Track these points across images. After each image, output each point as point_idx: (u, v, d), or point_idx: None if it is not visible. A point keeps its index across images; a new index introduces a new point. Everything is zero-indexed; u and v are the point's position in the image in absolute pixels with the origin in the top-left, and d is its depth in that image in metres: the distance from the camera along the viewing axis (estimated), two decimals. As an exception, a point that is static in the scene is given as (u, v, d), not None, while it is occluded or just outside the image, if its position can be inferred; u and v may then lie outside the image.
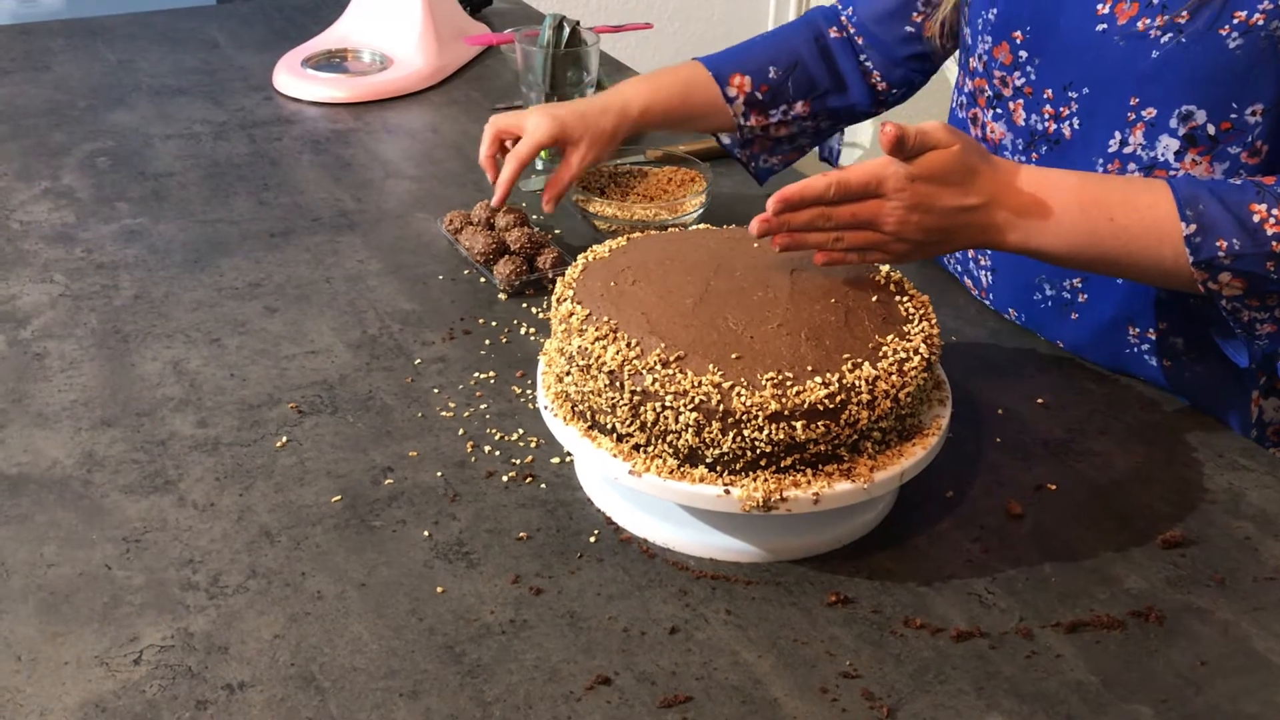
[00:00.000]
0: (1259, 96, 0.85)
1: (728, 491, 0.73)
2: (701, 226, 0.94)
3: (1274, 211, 0.81)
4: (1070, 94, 0.92)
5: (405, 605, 0.74)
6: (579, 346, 0.77)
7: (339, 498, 0.83)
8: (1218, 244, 0.82)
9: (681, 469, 0.75)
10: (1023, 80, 0.95)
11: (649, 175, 1.21)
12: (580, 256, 0.86)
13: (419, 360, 0.98)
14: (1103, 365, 0.99)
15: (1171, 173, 0.89)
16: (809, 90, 1.15)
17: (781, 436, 0.72)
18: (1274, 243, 0.81)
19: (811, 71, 1.14)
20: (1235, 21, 0.83)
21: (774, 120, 1.15)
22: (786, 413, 0.72)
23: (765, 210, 0.79)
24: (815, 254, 0.82)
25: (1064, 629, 0.73)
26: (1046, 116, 0.94)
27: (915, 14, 1.11)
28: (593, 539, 0.80)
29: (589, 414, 0.78)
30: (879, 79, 1.14)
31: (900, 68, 1.14)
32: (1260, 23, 0.83)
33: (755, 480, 0.73)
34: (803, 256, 0.83)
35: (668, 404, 0.73)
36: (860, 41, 1.14)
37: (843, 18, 1.16)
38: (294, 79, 1.53)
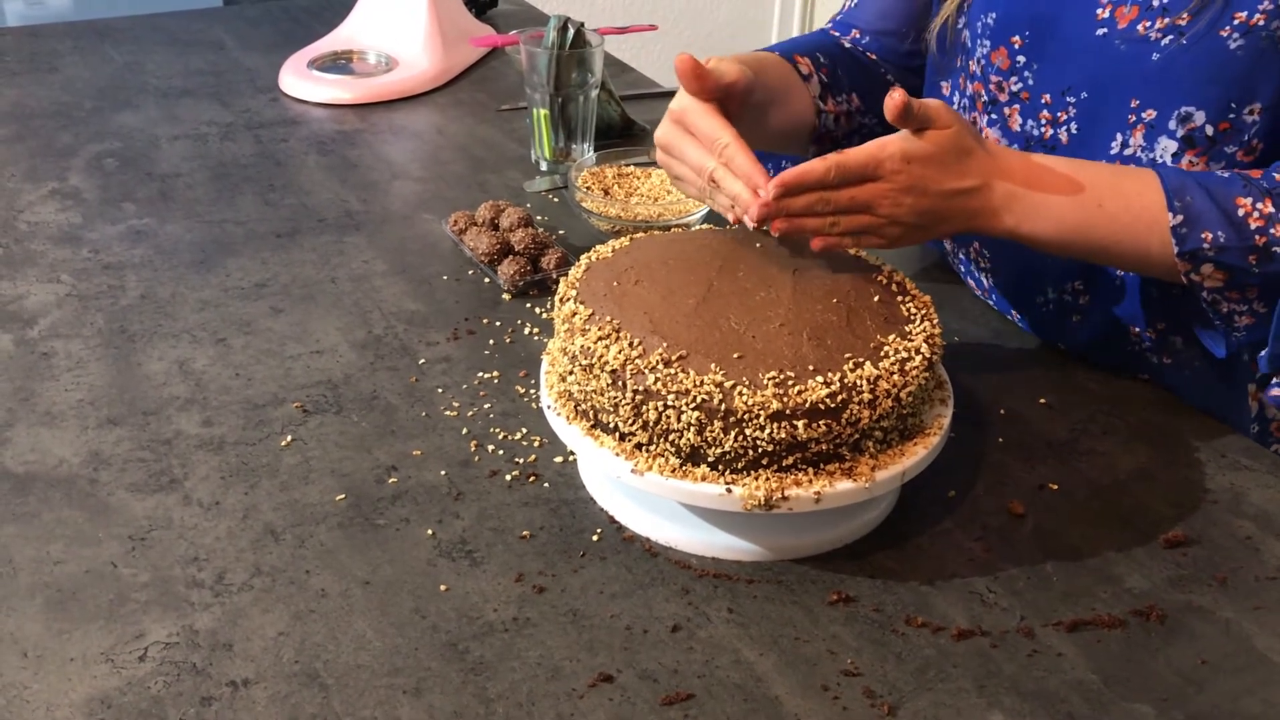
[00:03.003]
0: (1258, 96, 0.85)
1: (729, 490, 0.73)
2: (704, 227, 0.94)
3: (1258, 205, 0.82)
4: (1069, 99, 0.92)
5: (409, 603, 0.74)
6: (582, 346, 0.77)
7: (343, 496, 0.83)
8: (1203, 236, 0.82)
9: (684, 468, 0.75)
10: (1019, 85, 0.95)
11: (652, 175, 1.22)
12: (584, 257, 0.87)
13: (423, 360, 0.99)
14: (1106, 365, 1.00)
15: None
16: (856, 83, 1.07)
17: (783, 436, 0.72)
18: (1257, 236, 0.81)
19: (851, 67, 1.08)
20: (1236, 22, 0.83)
21: (843, 109, 1.06)
22: (788, 412, 0.72)
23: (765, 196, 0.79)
24: (812, 240, 0.82)
25: (1065, 628, 0.73)
26: (1043, 122, 0.94)
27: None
28: (595, 538, 0.80)
29: (592, 413, 0.78)
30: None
31: (916, 76, 1.13)
32: (1261, 23, 0.83)
33: (757, 479, 0.74)
34: (804, 257, 0.83)
35: (670, 403, 0.73)
36: (873, 58, 1.11)
37: (845, 41, 1.12)
38: (300, 80, 1.54)
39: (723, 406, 0.72)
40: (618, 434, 0.77)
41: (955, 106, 1.04)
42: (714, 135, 0.83)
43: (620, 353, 0.75)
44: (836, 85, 1.06)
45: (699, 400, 0.72)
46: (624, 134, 1.41)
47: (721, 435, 0.73)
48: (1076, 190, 0.84)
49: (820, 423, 0.73)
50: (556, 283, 1.08)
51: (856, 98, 1.07)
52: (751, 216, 0.80)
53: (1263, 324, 0.86)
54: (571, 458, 0.87)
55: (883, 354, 0.76)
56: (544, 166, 1.32)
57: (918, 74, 1.12)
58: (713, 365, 0.74)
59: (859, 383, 0.73)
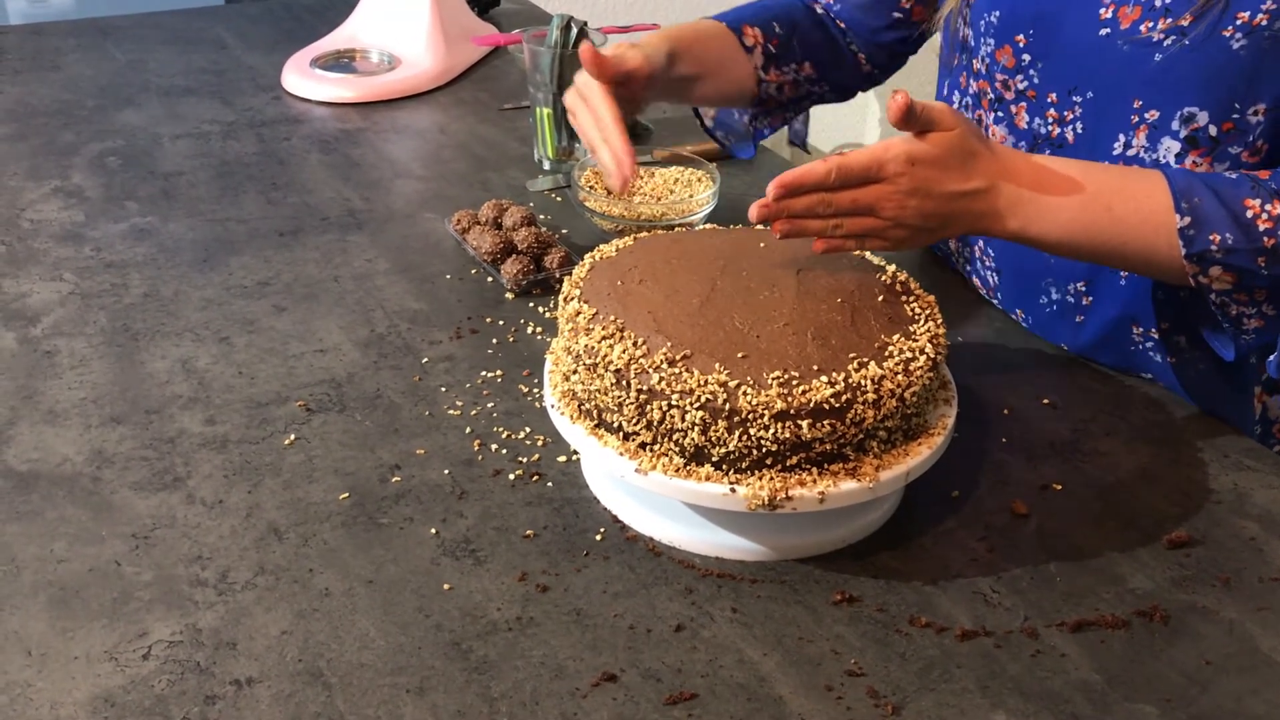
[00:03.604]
0: (1261, 96, 0.85)
1: (733, 490, 0.73)
2: (708, 226, 0.94)
3: (1267, 207, 0.81)
4: (1074, 98, 0.92)
5: (412, 602, 0.74)
6: (585, 345, 0.77)
7: (346, 495, 0.83)
8: (1211, 238, 0.82)
9: (687, 467, 0.75)
10: (1025, 84, 0.95)
11: (656, 175, 1.22)
12: (587, 256, 0.87)
13: (426, 359, 0.99)
14: (1109, 365, 1.00)
15: None
16: (813, 52, 1.14)
17: (787, 435, 0.72)
18: (1266, 238, 0.81)
19: (811, 35, 1.14)
20: (1238, 22, 0.83)
21: (788, 78, 1.13)
22: (792, 412, 0.72)
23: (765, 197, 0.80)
24: (814, 242, 0.82)
25: (1069, 628, 0.73)
26: (1050, 120, 0.94)
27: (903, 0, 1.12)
28: (599, 537, 0.80)
29: (595, 412, 0.78)
30: (864, 60, 1.16)
31: (884, 50, 1.16)
32: (1264, 23, 0.83)
33: (761, 479, 0.74)
34: (808, 257, 0.83)
35: (674, 403, 0.73)
36: (842, 26, 1.15)
37: (818, 6, 1.16)
38: (302, 79, 1.54)
39: (727, 406, 0.72)
40: (621, 433, 0.77)
41: (959, 104, 1.04)
42: (600, 112, 0.98)
43: (624, 352, 0.75)
44: (786, 55, 1.12)
45: (703, 400, 0.72)
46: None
47: (726, 435, 0.73)
48: (1083, 192, 0.83)
49: (824, 423, 0.73)
50: (559, 282, 1.08)
51: (810, 66, 1.14)
52: (751, 215, 0.80)
53: (1272, 326, 0.86)
54: (575, 457, 0.87)
55: (887, 354, 0.76)
56: (547, 166, 1.32)
57: (885, 50, 1.15)
58: (717, 365, 0.74)
59: (863, 382, 0.73)
